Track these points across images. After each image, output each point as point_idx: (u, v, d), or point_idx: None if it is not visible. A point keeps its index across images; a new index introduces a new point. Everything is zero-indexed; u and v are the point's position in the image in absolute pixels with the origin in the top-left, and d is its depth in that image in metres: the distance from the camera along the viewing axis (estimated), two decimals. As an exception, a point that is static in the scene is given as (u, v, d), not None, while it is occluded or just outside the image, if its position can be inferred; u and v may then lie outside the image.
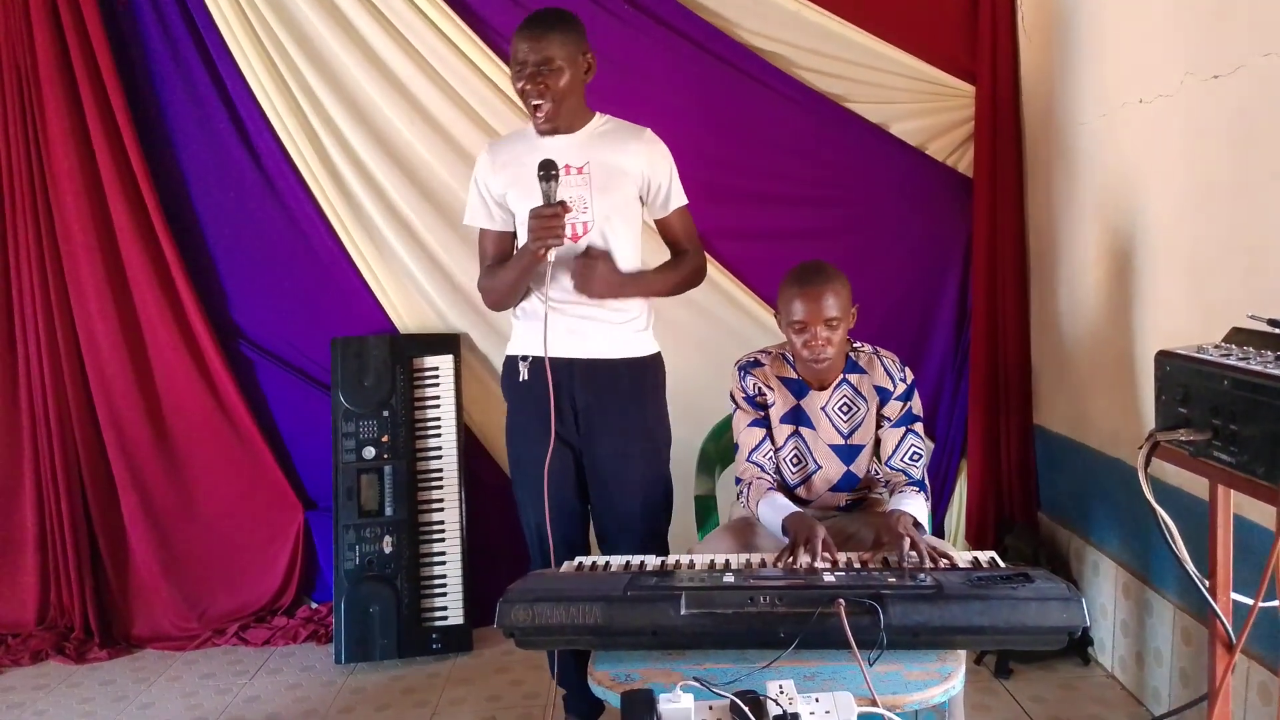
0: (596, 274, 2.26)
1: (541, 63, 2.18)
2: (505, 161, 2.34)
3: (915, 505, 2.12)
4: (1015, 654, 2.81)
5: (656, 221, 2.43)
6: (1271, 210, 1.98)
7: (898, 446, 2.25)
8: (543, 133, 2.29)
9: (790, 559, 1.92)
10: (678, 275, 2.42)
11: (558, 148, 2.26)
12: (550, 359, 2.27)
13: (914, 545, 1.90)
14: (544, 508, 2.32)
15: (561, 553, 2.29)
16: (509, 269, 2.33)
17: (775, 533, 2.12)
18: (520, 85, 2.23)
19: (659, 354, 2.46)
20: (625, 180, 2.31)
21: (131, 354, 3.33)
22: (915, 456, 2.25)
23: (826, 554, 1.92)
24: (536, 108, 2.23)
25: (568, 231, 2.22)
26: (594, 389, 2.34)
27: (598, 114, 2.36)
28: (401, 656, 3.16)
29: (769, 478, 2.26)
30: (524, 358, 2.36)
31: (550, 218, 2.17)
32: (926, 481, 2.27)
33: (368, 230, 3.33)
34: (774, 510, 2.13)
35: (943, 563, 1.86)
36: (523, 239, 2.32)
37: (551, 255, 2.21)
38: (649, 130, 2.38)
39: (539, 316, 2.32)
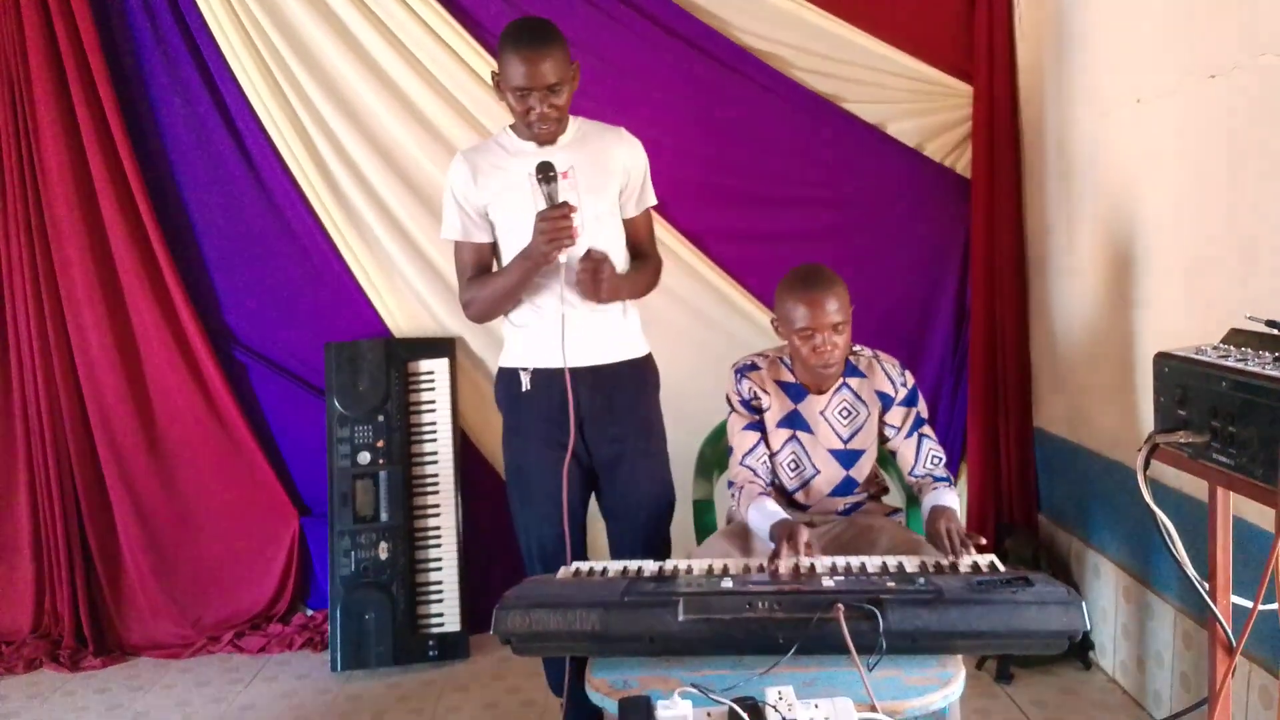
0: (604, 276, 2.23)
1: (547, 88, 2.15)
2: (486, 171, 2.30)
3: (949, 499, 2.14)
4: (1016, 658, 2.79)
5: (624, 221, 2.40)
6: (1269, 211, 1.97)
7: (918, 454, 2.25)
8: (542, 143, 2.27)
9: (774, 564, 1.90)
10: (649, 277, 2.43)
11: (539, 154, 2.24)
12: (554, 369, 2.25)
13: (951, 536, 1.96)
14: (551, 516, 2.31)
15: (562, 561, 2.28)
16: (506, 275, 2.29)
17: (764, 539, 2.11)
18: (525, 108, 2.18)
19: (651, 354, 2.46)
20: (609, 180, 2.31)
21: (124, 358, 3.31)
22: (936, 459, 2.25)
23: (809, 553, 1.92)
24: (543, 129, 2.22)
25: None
26: (598, 393, 2.32)
27: (571, 116, 2.33)
28: (398, 663, 3.13)
29: (761, 482, 2.24)
30: (525, 369, 2.33)
31: (559, 219, 2.15)
32: (950, 477, 2.27)
33: (361, 233, 3.31)
34: (763, 517, 2.11)
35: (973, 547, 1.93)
36: (508, 249, 2.30)
37: (563, 257, 2.19)
38: (624, 129, 2.38)
39: (535, 326, 2.30)
